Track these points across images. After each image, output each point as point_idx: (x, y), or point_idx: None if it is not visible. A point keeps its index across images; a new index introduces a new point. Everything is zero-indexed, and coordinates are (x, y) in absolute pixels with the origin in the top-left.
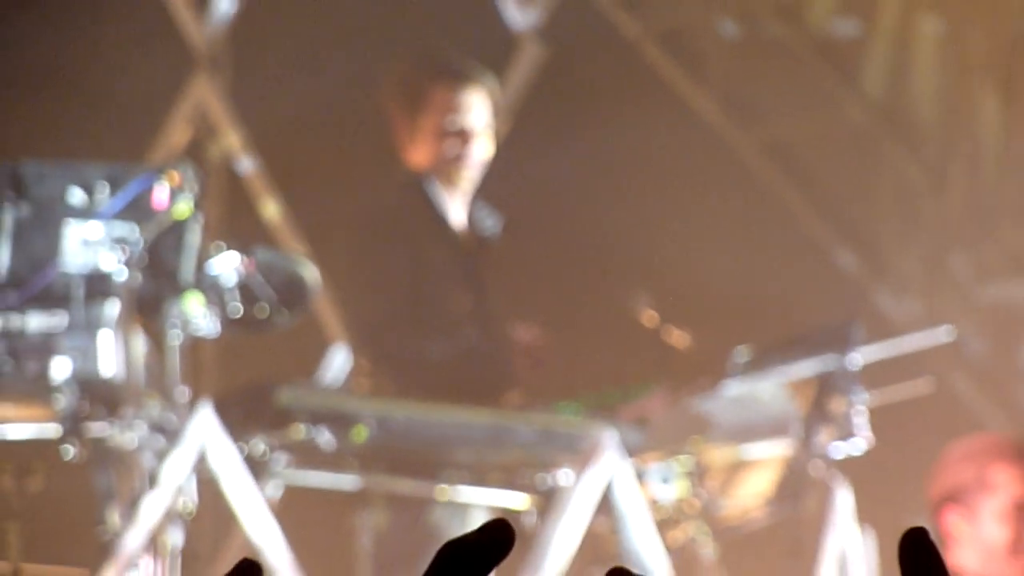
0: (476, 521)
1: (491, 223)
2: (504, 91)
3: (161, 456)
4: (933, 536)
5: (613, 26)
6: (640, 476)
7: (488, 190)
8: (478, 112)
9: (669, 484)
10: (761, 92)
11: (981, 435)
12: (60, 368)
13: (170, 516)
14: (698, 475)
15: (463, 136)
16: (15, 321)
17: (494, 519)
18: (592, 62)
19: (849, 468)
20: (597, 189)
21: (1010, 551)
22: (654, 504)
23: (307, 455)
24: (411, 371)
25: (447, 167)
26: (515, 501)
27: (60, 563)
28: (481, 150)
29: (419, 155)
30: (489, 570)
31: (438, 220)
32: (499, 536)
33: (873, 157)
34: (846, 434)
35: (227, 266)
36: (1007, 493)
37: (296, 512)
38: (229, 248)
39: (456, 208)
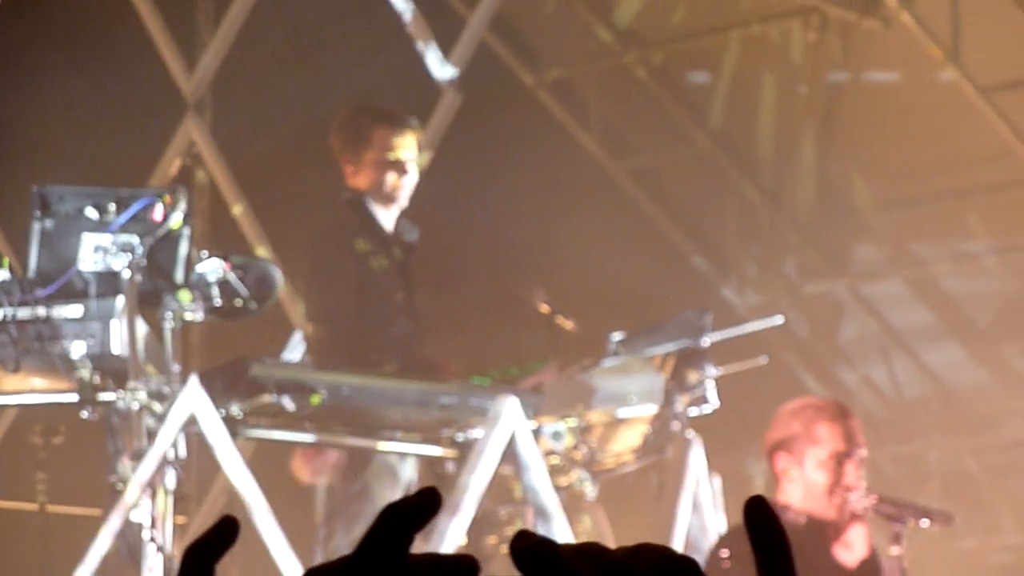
0: (408, 467)
1: (414, 233)
2: (429, 129)
3: (159, 418)
4: (767, 476)
5: (515, 78)
6: (536, 433)
7: (413, 208)
8: (408, 148)
9: (559, 439)
10: (630, 130)
11: (809, 397)
12: (78, 348)
13: (165, 464)
14: (582, 432)
15: (396, 167)
16: (42, 311)
17: (427, 487)
18: (498, 106)
19: (701, 425)
20: (501, 207)
21: (828, 492)
22: (547, 455)
23: (273, 417)
24: (357, 349)
25: (383, 190)
26: (438, 452)
27: (79, 505)
28: (409, 178)
29: (361, 180)
30: (423, 524)
31: (376, 230)
32: (431, 498)
33: (719, 180)
34: (699, 399)
35: (210, 268)
36: (829, 446)
37: (263, 461)
38: (211, 254)
39: (388, 220)
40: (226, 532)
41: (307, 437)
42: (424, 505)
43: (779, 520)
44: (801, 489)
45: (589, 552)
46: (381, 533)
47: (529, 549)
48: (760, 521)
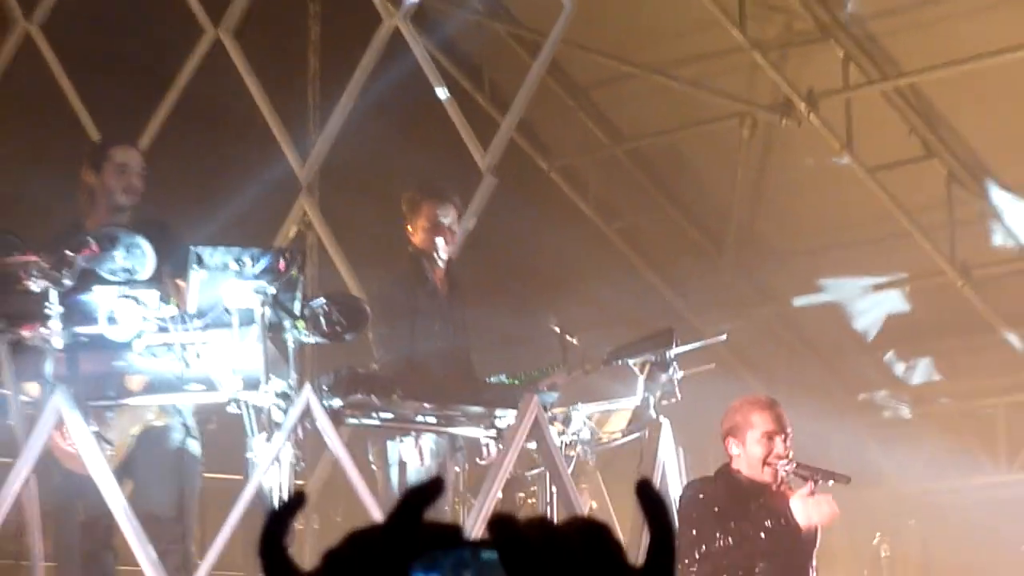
0: (457, 442)
1: (460, 276)
2: (473, 202)
3: (283, 411)
4: (719, 452)
5: (534, 164)
6: (551, 419)
7: (462, 256)
8: (449, 216)
9: (568, 423)
10: (617, 200)
11: (747, 396)
12: (225, 363)
13: (287, 444)
14: (584, 418)
15: (440, 230)
16: (200, 336)
17: (434, 476)
18: (523, 186)
19: (669, 412)
20: (526, 257)
21: (763, 462)
22: (560, 434)
23: (363, 409)
24: (413, 365)
25: (432, 248)
26: (482, 433)
27: (228, 472)
28: (453, 238)
29: (417, 240)
30: (435, 498)
31: (427, 279)
32: (437, 483)
33: (682, 235)
34: (668, 394)
35: (318, 304)
36: (761, 428)
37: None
38: (319, 294)
39: (438, 269)
40: (296, 501)
41: (390, 424)
42: (433, 487)
43: (662, 497)
44: (745, 461)
45: (537, 521)
46: (404, 502)
47: (495, 517)
48: (648, 497)
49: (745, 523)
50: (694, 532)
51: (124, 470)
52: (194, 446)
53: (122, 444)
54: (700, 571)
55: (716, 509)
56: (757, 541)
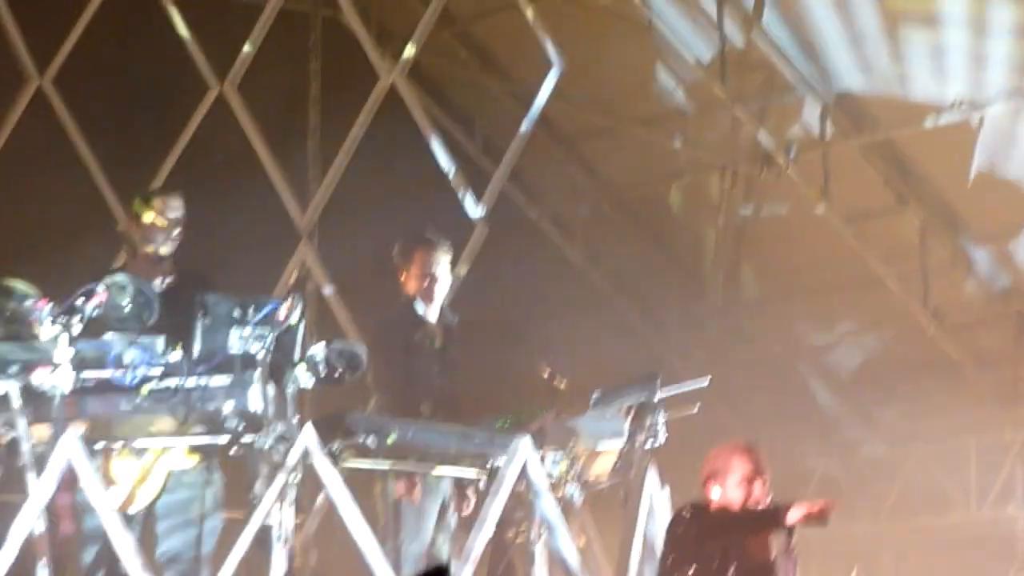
0: (446, 486)
1: (454, 319)
2: (466, 249)
3: (284, 453)
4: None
5: (524, 214)
6: (541, 460)
7: (456, 300)
8: (439, 264)
9: (557, 464)
10: (603, 246)
11: (727, 443)
12: (228, 406)
13: (288, 485)
14: (572, 459)
15: (431, 277)
16: (203, 380)
17: (436, 566)
18: (512, 232)
19: (655, 453)
20: (515, 300)
21: (743, 504)
22: (548, 475)
23: (361, 451)
24: (408, 404)
25: (426, 293)
26: (473, 474)
27: (230, 511)
28: (442, 284)
29: (411, 286)
30: None
31: (421, 322)
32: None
33: (667, 282)
34: (653, 435)
35: (317, 350)
36: (740, 472)
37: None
38: (318, 340)
39: (432, 313)
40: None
41: (384, 465)
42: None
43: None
44: (726, 503)
45: None
46: None
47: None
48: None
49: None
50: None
51: (146, 511)
52: (216, 486)
53: (139, 485)
54: None
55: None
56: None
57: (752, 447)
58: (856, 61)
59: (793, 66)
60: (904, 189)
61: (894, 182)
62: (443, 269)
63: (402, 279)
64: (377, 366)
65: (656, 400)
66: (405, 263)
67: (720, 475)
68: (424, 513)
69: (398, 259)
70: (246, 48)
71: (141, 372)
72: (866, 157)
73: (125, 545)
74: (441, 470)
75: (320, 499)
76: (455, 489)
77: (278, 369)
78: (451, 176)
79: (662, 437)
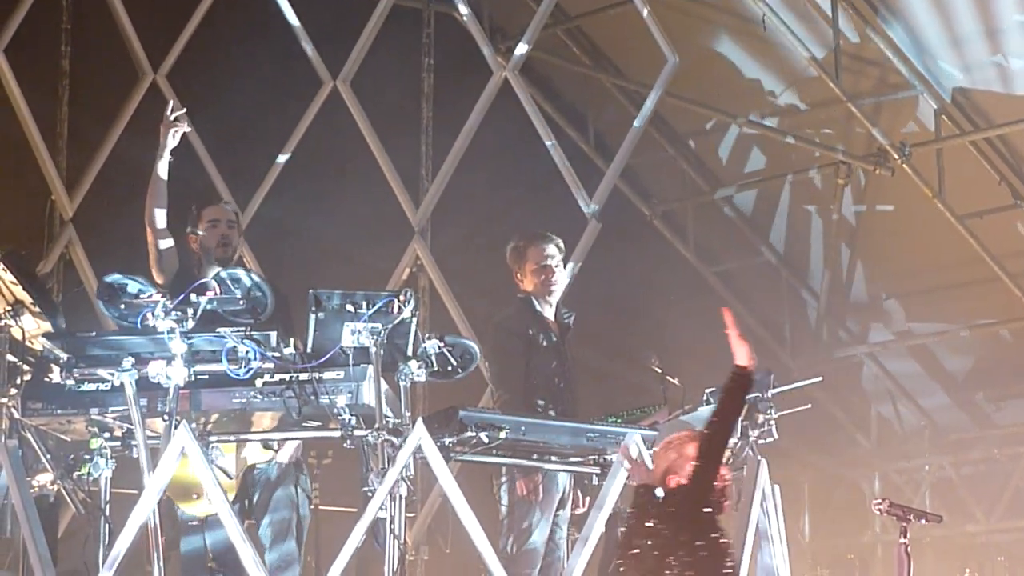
0: (563, 480)
1: (570, 317)
2: (578, 247)
3: (396, 448)
4: (811, 484)
5: (636, 209)
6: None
7: (571, 298)
8: (553, 257)
9: None
10: (716, 245)
11: (670, 435)
12: (341, 400)
13: (401, 479)
14: None
15: (546, 272)
16: (317, 375)
17: None
18: (624, 229)
19: (766, 450)
20: (629, 299)
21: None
22: None
23: (473, 446)
24: (526, 401)
25: (542, 289)
26: (586, 470)
27: (343, 506)
28: (557, 277)
29: (526, 284)
30: None
31: (539, 319)
32: None
33: (778, 280)
34: (765, 433)
35: (430, 344)
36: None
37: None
38: (431, 335)
39: (549, 311)
40: None
41: (496, 460)
42: None
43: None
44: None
45: None
46: None
47: None
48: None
49: None
50: None
51: (240, 502)
52: (303, 480)
53: (239, 477)
54: None
55: None
56: None
57: (699, 434)
58: (969, 58)
59: (908, 62)
60: (1020, 186)
61: (1009, 179)
62: (557, 261)
63: (517, 277)
64: (495, 362)
65: (768, 397)
66: (519, 262)
67: (677, 464)
68: (542, 510)
69: (512, 258)
70: (359, 43)
71: (255, 366)
72: (981, 154)
73: (237, 536)
74: (553, 465)
75: (433, 494)
76: (572, 486)
77: (391, 363)
78: (563, 172)
79: (774, 435)
